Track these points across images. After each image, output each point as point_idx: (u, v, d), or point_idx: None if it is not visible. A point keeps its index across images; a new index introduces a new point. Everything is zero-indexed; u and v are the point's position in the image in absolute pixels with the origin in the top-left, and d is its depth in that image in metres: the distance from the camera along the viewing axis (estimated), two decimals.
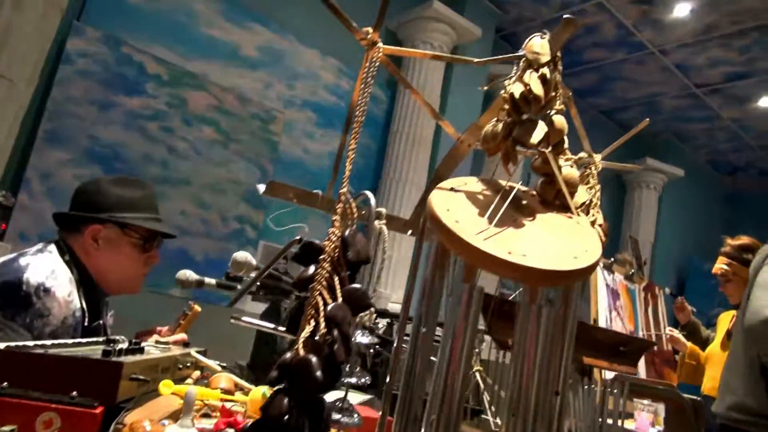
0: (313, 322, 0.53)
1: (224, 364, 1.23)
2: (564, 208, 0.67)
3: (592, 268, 0.58)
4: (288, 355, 0.51)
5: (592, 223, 0.78)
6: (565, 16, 0.65)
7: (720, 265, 2.71)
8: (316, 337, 0.52)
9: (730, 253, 2.72)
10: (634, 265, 3.94)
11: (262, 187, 0.79)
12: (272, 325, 1.02)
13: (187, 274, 1.49)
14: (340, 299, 0.54)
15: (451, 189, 0.67)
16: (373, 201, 0.80)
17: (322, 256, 0.56)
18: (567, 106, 0.71)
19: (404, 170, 3.02)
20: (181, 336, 1.40)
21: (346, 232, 0.58)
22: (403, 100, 3.14)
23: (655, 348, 3.84)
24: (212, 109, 2.58)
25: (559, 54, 0.68)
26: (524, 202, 0.68)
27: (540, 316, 0.58)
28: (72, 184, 2.04)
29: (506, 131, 0.66)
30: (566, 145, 0.70)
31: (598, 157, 0.85)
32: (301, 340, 0.52)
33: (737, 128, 4.38)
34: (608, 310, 3.23)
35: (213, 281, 1.55)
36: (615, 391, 0.80)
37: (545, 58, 0.65)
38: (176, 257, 2.42)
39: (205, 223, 2.53)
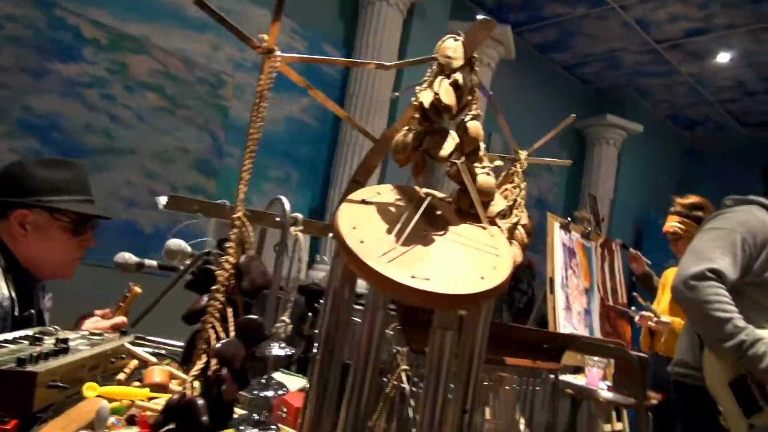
0: (204, 357, 0.51)
1: (162, 352, 1.21)
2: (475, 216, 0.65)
3: (498, 288, 0.57)
4: (175, 395, 0.49)
5: (515, 225, 0.77)
6: (479, 17, 0.61)
7: (671, 223, 2.77)
8: (209, 373, 0.50)
9: (681, 211, 2.78)
10: (592, 222, 4.01)
11: (162, 200, 0.74)
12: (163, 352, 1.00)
13: (126, 256, 1.45)
14: (232, 333, 0.52)
15: (362, 201, 0.64)
16: (287, 206, 0.77)
17: (214, 287, 0.53)
18: (493, 108, 0.69)
19: (361, 135, 2.97)
20: (121, 319, 1.37)
21: (242, 259, 0.55)
22: (359, 60, 3.05)
23: (611, 300, 3.96)
24: (156, 75, 2.47)
25: (475, 55, 0.65)
26: (438, 212, 0.65)
27: (444, 338, 0.57)
28: (6, 158, 1.95)
29: (417, 142, 0.63)
30: (483, 152, 0.67)
31: (523, 155, 0.83)
32: (190, 378, 0.50)
33: (695, 83, 4.41)
34: (564, 268, 3.30)
35: (154, 263, 1.51)
36: (537, 388, 0.80)
37: (458, 62, 0.62)
38: (124, 230, 2.36)
39: (154, 194, 2.46)
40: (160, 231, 2.49)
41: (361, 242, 0.58)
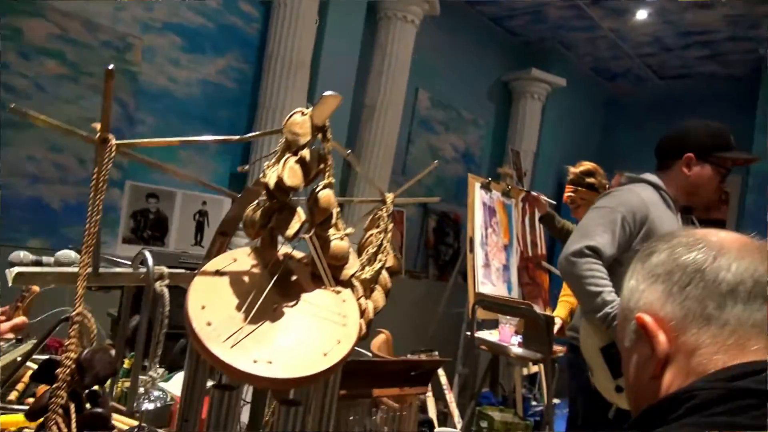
0: None
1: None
2: (335, 279, 0.68)
3: (341, 363, 0.61)
4: None
5: (379, 270, 0.80)
6: (325, 94, 0.62)
7: (566, 193, 2.89)
8: None
9: (575, 180, 2.89)
10: (514, 177, 4.13)
11: (9, 274, 0.73)
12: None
13: (21, 255, 1.41)
14: (74, 429, 0.54)
15: (216, 272, 0.66)
16: (150, 261, 0.77)
17: (56, 384, 0.54)
18: (347, 163, 0.68)
19: (282, 97, 2.90)
20: (21, 319, 1.35)
21: (84, 354, 0.56)
22: (278, 18, 2.94)
23: (530, 253, 4.15)
24: (54, 39, 2.31)
25: (327, 123, 0.66)
26: (294, 278, 0.68)
27: (287, 412, 0.61)
28: None
29: (265, 219, 0.64)
30: (335, 219, 0.69)
31: (390, 197, 0.86)
32: None
33: (616, 38, 4.51)
34: (484, 227, 3.42)
35: (51, 260, 1.47)
36: (405, 413, 0.87)
37: (305, 138, 0.63)
38: (30, 207, 2.27)
39: (60, 168, 2.36)
40: (70, 206, 2.41)
41: (208, 324, 0.60)
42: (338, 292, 0.68)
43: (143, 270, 0.75)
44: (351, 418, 0.80)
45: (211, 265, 0.66)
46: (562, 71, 4.83)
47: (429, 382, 0.90)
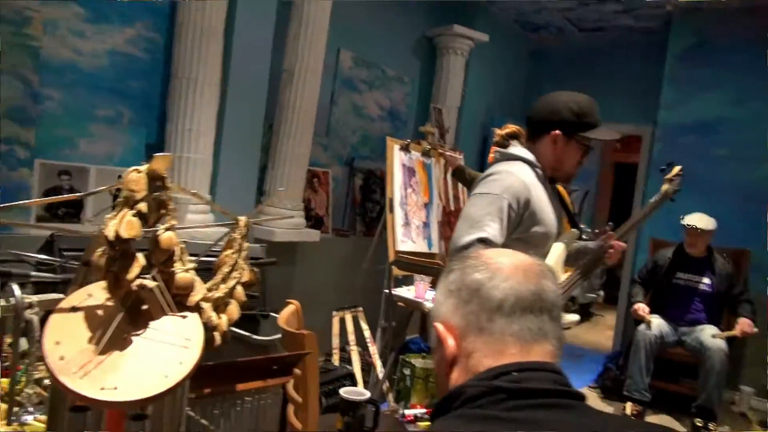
0: None
1: None
2: (181, 305, 0.80)
3: (183, 381, 0.73)
4: None
5: (234, 287, 0.92)
6: (156, 155, 0.71)
7: (492, 154, 3.03)
8: None
9: (499, 142, 3.03)
10: (436, 134, 4.26)
11: None
12: None
13: None
14: None
15: (72, 308, 0.76)
16: (18, 292, 0.86)
17: None
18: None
19: (195, 67, 2.89)
20: None
21: None
22: None
23: (452, 207, 4.34)
24: None
25: (165, 174, 0.75)
26: (144, 307, 0.79)
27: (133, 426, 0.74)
28: None
29: (108, 265, 0.74)
30: (178, 255, 0.80)
31: (243, 221, 0.96)
32: None
33: None
34: (403, 187, 3.56)
35: None
36: (270, 401, 1.01)
37: (140, 194, 0.73)
38: None
39: None
40: None
41: (61, 358, 0.71)
42: (185, 317, 0.80)
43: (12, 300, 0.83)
44: (216, 412, 0.93)
45: (67, 302, 0.76)
46: (486, 25, 4.91)
47: (292, 371, 1.04)
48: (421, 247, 3.61)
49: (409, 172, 3.63)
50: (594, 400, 4.19)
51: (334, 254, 3.96)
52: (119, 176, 2.77)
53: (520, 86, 5.83)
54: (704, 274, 3.91)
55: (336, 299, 3.61)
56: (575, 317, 1.92)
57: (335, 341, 3.39)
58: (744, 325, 3.66)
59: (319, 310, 3.60)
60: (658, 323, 3.83)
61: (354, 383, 3.03)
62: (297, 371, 1.26)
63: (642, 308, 3.88)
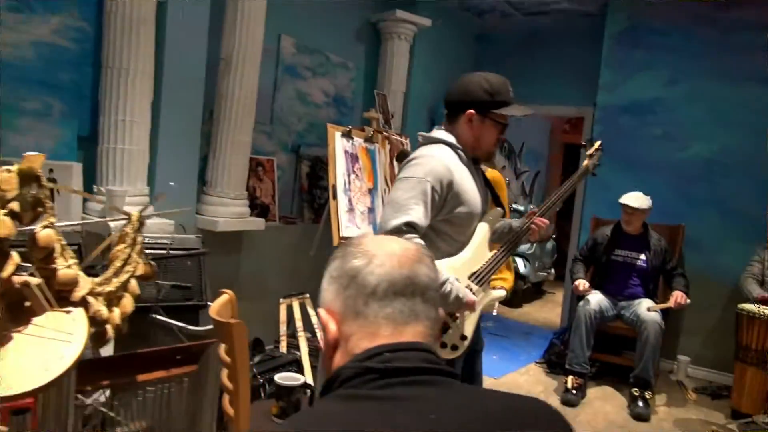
0: None
1: None
2: (66, 300, 0.81)
3: (65, 374, 0.75)
4: None
5: (128, 280, 0.94)
6: (26, 154, 0.71)
7: None
8: None
9: None
10: (381, 120, 4.28)
11: None
12: None
13: None
14: None
15: None
16: None
17: None
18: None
19: (126, 57, 2.83)
20: None
21: None
22: None
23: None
24: None
25: (39, 172, 0.76)
26: (27, 303, 0.80)
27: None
28: None
29: None
30: (59, 252, 0.81)
31: (135, 215, 0.97)
32: None
33: None
34: (346, 174, 3.59)
35: None
36: (173, 389, 1.03)
37: (12, 193, 0.74)
38: None
39: None
40: None
41: None
42: (69, 312, 0.81)
43: None
44: (116, 402, 0.95)
45: None
46: (431, 9, 4.94)
47: (198, 360, 1.07)
48: (366, 232, 3.64)
49: (352, 158, 3.65)
50: (539, 374, 4.34)
51: (282, 242, 3.97)
52: (50, 170, 2.71)
53: (468, 70, 5.88)
54: (640, 251, 4.07)
55: (284, 287, 3.63)
56: (501, 293, 1.99)
57: (282, 328, 3.42)
58: (677, 297, 3.83)
59: (267, 298, 3.62)
60: (597, 299, 3.97)
61: (300, 369, 3.06)
62: (227, 359, 1.29)
63: (582, 284, 4.02)
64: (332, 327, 0.85)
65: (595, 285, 4.16)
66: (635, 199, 4.00)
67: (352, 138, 3.69)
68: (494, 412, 0.77)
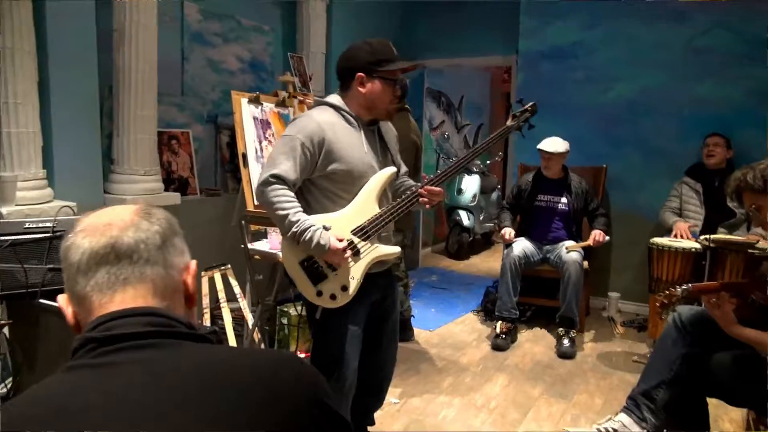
0: None
1: None
2: None
3: None
4: None
5: None
6: None
7: None
8: None
9: None
10: (297, 83, 4.22)
11: None
12: None
13: None
14: None
15: None
16: None
17: None
18: None
19: (5, 34, 2.72)
20: None
21: None
22: None
23: None
24: None
25: None
26: None
27: None
28: None
29: None
30: None
31: None
32: None
33: None
34: (258, 141, 3.54)
35: None
36: None
37: None
38: None
39: None
40: None
41: None
42: None
43: None
44: None
45: None
46: None
47: None
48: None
49: (263, 124, 3.60)
50: (474, 323, 4.44)
51: (204, 215, 3.93)
52: None
53: (395, 27, 5.81)
54: (562, 194, 4.14)
55: (208, 259, 3.60)
56: (395, 249, 2.02)
57: (205, 301, 3.41)
58: (595, 235, 3.93)
59: None
60: (522, 246, 4.05)
61: (219, 341, 3.07)
62: None
63: (507, 232, 4.08)
64: (68, 312, 0.84)
65: (521, 231, 4.24)
66: (551, 143, 4.05)
67: (261, 104, 3.63)
68: (221, 369, 0.78)
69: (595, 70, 4.69)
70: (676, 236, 3.83)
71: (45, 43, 2.94)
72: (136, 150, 3.37)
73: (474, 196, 6.89)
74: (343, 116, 1.99)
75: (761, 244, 3.29)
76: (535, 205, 4.19)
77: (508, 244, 4.10)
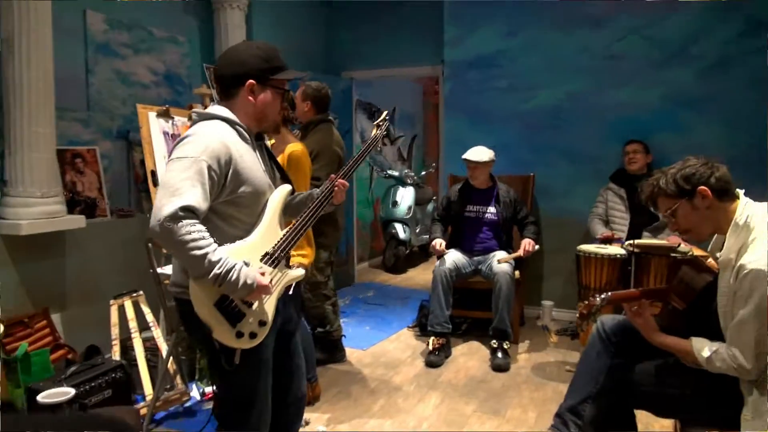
0: None
1: None
2: None
3: None
4: None
5: None
6: None
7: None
8: None
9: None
10: (214, 95, 4.01)
11: None
12: None
13: None
14: None
15: None
16: None
17: None
18: None
19: None
20: None
21: None
22: None
23: None
24: None
25: None
26: None
27: None
28: None
29: None
30: None
31: None
32: None
33: None
34: (168, 157, 3.30)
35: None
36: None
37: None
38: None
39: None
40: None
41: None
42: None
43: None
44: None
45: None
46: None
47: None
48: None
49: (174, 139, 3.38)
50: (409, 339, 4.32)
51: (115, 237, 3.65)
52: None
53: (320, 35, 5.69)
54: (490, 204, 4.10)
55: (119, 286, 3.33)
56: (299, 272, 1.85)
57: (114, 332, 3.14)
58: (525, 244, 3.90)
59: (102, 301, 3.32)
60: (453, 257, 3.97)
61: (127, 375, 2.82)
62: None
63: (438, 244, 4.00)
64: None
65: (452, 243, 4.17)
66: (476, 153, 4.00)
67: (173, 117, 3.41)
68: None
69: (517, 78, 4.70)
70: (603, 242, 3.84)
71: None
72: (32, 170, 3.08)
73: (409, 208, 6.82)
74: (237, 131, 1.75)
75: (682, 247, 3.33)
76: (464, 215, 4.13)
77: (440, 256, 4.01)
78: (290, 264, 1.91)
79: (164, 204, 1.53)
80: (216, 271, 1.55)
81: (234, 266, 1.59)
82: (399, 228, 6.70)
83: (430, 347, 3.82)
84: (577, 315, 2.03)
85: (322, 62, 5.69)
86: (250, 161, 1.74)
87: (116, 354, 3.07)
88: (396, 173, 7.02)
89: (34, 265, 3.24)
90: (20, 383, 2.68)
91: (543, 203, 4.69)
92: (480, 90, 4.80)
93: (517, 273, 3.97)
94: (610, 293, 1.93)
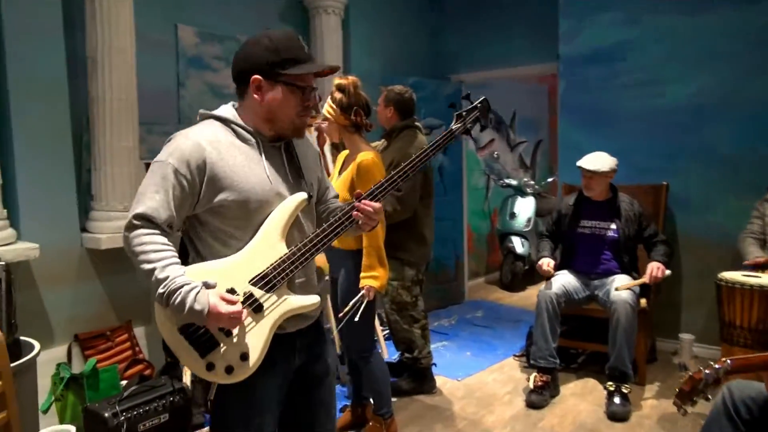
0: None
1: None
2: None
3: None
4: None
5: None
6: None
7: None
8: None
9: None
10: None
11: None
12: None
13: None
14: None
15: None
16: None
17: None
18: None
19: None
20: None
21: None
22: None
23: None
24: None
25: None
26: None
27: None
28: None
29: None
30: None
31: None
32: None
33: None
34: None
35: None
36: None
37: None
38: None
39: None
40: None
41: None
42: None
43: None
44: None
45: None
46: None
47: None
48: None
49: None
50: (513, 370, 3.82)
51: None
52: None
53: (423, 37, 5.36)
54: (610, 219, 3.48)
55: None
56: (312, 300, 1.52)
57: None
58: (652, 269, 3.24)
59: None
60: (562, 281, 3.43)
61: (186, 400, 2.67)
62: None
63: (545, 263, 3.47)
64: None
65: (563, 263, 3.61)
66: (593, 160, 3.41)
67: None
68: None
69: (643, 71, 4.00)
70: (755, 268, 3.07)
71: (4, 75, 2.74)
72: (114, 184, 3.10)
73: (528, 220, 6.23)
74: (234, 131, 1.50)
75: None
76: (578, 232, 3.55)
77: (548, 278, 3.48)
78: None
79: (130, 212, 1.41)
80: (160, 290, 1.35)
81: (181, 287, 1.34)
82: (517, 242, 6.15)
83: (532, 385, 3.30)
84: (676, 391, 1.48)
85: (428, 65, 5.36)
86: (240, 165, 1.45)
87: (187, 374, 2.96)
88: (514, 182, 6.47)
89: (119, 278, 3.26)
90: (86, 400, 2.64)
91: (679, 218, 3.94)
92: (599, 87, 4.17)
93: (643, 301, 3.32)
94: (730, 360, 1.36)
